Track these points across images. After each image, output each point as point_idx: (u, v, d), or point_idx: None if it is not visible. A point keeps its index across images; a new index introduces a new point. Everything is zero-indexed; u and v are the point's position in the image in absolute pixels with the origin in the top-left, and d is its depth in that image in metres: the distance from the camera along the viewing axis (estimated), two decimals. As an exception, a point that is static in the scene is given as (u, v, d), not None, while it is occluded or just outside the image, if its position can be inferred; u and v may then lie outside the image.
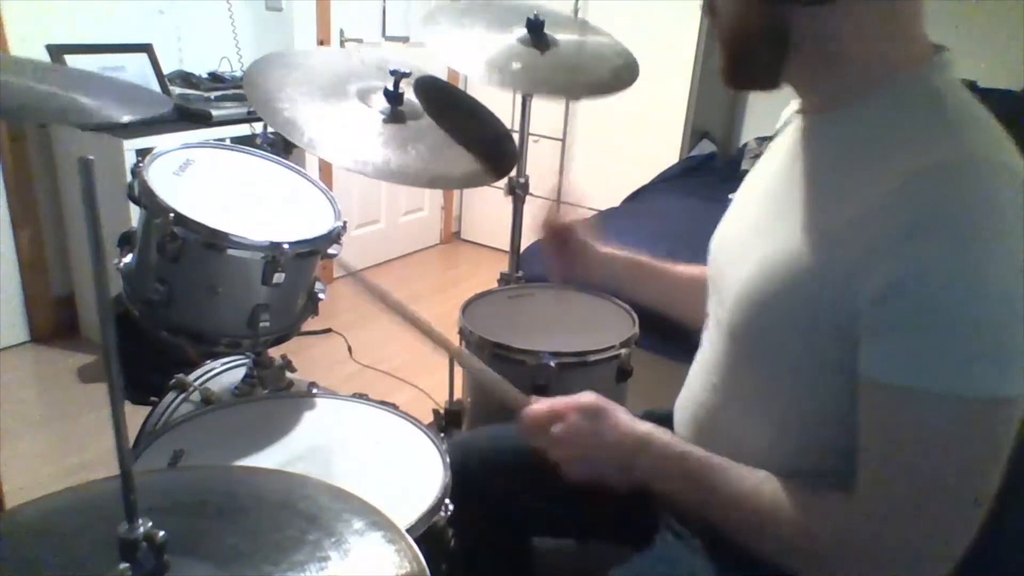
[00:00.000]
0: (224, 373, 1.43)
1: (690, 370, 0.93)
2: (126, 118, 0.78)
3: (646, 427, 0.82)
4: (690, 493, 0.78)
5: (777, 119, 0.92)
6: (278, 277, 1.09)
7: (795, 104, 0.90)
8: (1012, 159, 0.64)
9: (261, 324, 1.12)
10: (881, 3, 0.68)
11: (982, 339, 0.59)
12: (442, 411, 1.59)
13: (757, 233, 0.79)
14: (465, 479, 0.97)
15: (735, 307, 0.78)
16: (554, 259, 1.16)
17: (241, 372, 1.36)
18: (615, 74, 1.48)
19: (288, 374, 1.33)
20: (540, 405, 0.87)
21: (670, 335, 1.14)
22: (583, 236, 1.15)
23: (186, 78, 2.65)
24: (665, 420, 0.99)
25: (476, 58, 1.42)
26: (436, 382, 2.27)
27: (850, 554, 0.67)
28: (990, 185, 0.61)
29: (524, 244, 1.78)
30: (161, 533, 0.49)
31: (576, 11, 3.32)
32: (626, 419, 0.83)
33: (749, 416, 0.80)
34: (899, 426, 0.64)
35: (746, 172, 0.95)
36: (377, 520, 0.59)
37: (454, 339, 1.46)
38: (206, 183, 1.18)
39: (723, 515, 0.76)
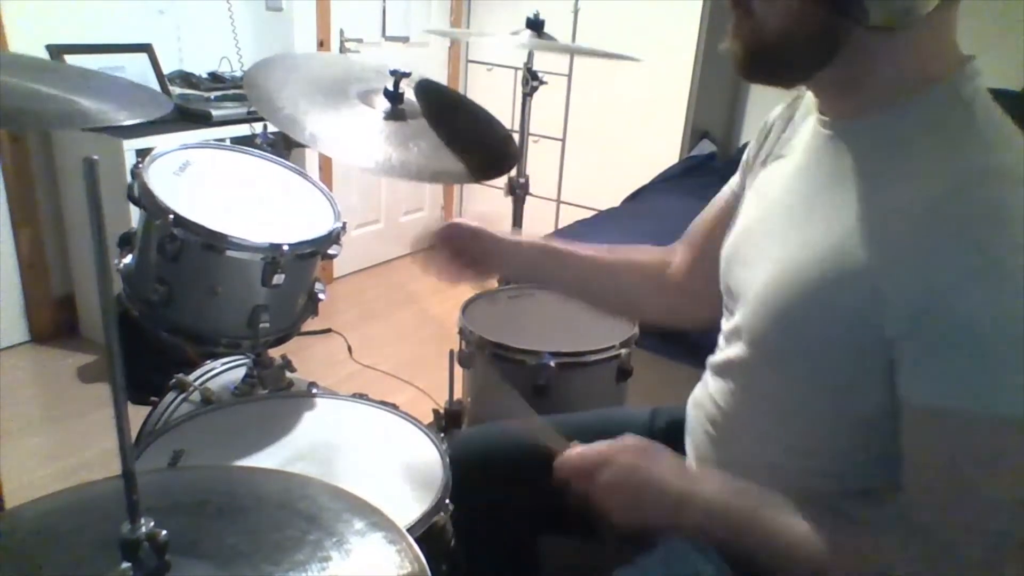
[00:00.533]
0: (224, 373, 1.43)
1: (705, 371, 0.92)
2: (127, 120, 0.77)
3: (688, 479, 0.80)
4: (738, 546, 0.76)
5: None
6: (278, 278, 1.09)
7: (779, 108, 0.90)
8: None
9: (261, 324, 1.12)
10: (935, 24, 0.66)
11: (1019, 355, 0.58)
12: (442, 411, 1.59)
13: (775, 239, 0.78)
14: (466, 475, 0.96)
15: (753, 313, 0.77)
16: (457, 264, 1.07)
17: (241, 372, 1.36)
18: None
19: (288, 374, 1.33)
20: (577, 451, 0.85)
21: (670, 335, 1.15)
22: (479, 231, 1.06)
23: (186, 78, 2.65)
24: (673, 417, 1.00)
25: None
26: (436, 382, 2.27)
27: None
28: (1020, 198, 0.60)
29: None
30: (163, 533, 0.49)
31: (576, 11, 3.32)
32: (668, 469, 0.81)
33: (766, 421, 0.79)
34: (950, 451, 0.63)
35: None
36: (378, 520, 0.59)
37: (454, 339, 1.46)
38: (206, 184, 1.18)
39: (774, 562, 0.74)
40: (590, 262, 1.07)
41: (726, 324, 0.88)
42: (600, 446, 0.84)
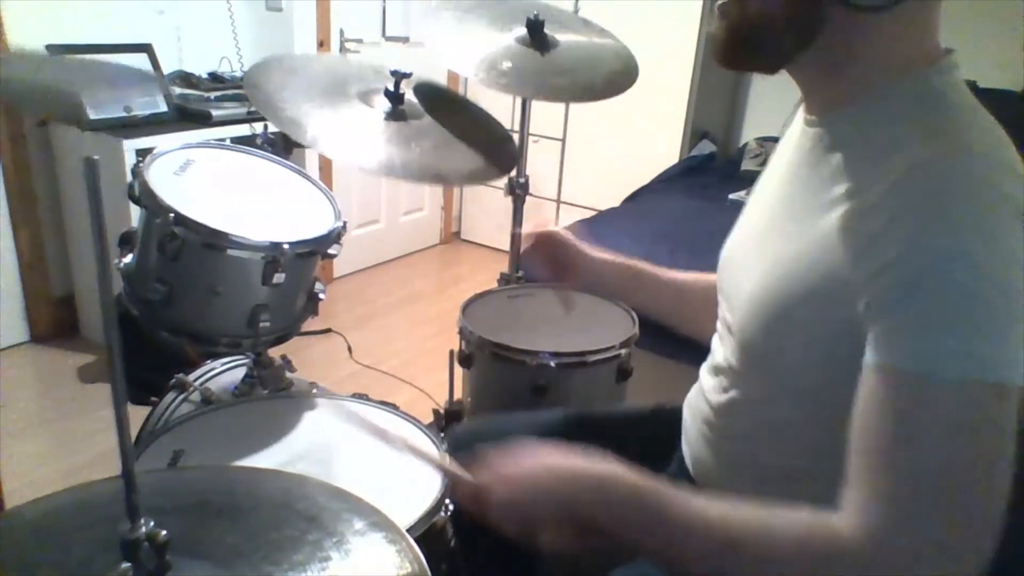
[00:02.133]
0: (224, 373, 1.43)
1: (700, 371, 0.93)
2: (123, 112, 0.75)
3: (578, 463, 0.73)
4: (654, 537, 0.69)
5: (777, 119, 0.91)
6: (278, 277, 1.09)
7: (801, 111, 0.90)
8: (1010, 155, 0.64)
9: (261, 324, 1.12)
10: (914, 10, 0.67)
11: (980, 322, 0.58)
12: (442, 411, 1.59)
13: (765, 238, 0.78)
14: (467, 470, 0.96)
15: (744, 313, 0.77)
16: (545, 268, 1.15)
17: (241, 372, 1.36)
18: (611, 78, 1.48)
19: (288, 374, 1.33)
20: (464, 485, 0.78)
21: (670, 335, 1.14)
22: (569, 242, 1.13)
23: (186, 78, 2.66)
24: (676, 414, 1.00)
25: (472, 57, 1.41)
26: (436, 382, 2.27)
27: (880, 561, 0.61)
28: (987, 176, 0.61)
29: (524, 244, 1.78)
30: (163, 533, 0.49)
31: (576, 10, 3.32)
32: (553, 459, 0.74)
33: (758, 421, 0.79)
34: (903, 412, 0.61)
35: (747, 172, 0.95)
36: (377, 520, 0.59)
37: (454, 340, 1.46)
38: (206, 183, 1.18)
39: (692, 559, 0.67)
40: (675, 286, 1.09)
41: (720, 326, 0.89)
42: (480, 475, 0.76)
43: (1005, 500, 0.60)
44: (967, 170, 0.61)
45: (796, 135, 0.80)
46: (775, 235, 0.77)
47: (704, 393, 0.89)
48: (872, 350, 0.63)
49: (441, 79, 3.53)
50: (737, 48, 0.73)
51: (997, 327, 0.59)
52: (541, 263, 1.15)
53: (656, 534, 0.68)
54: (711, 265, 0.93)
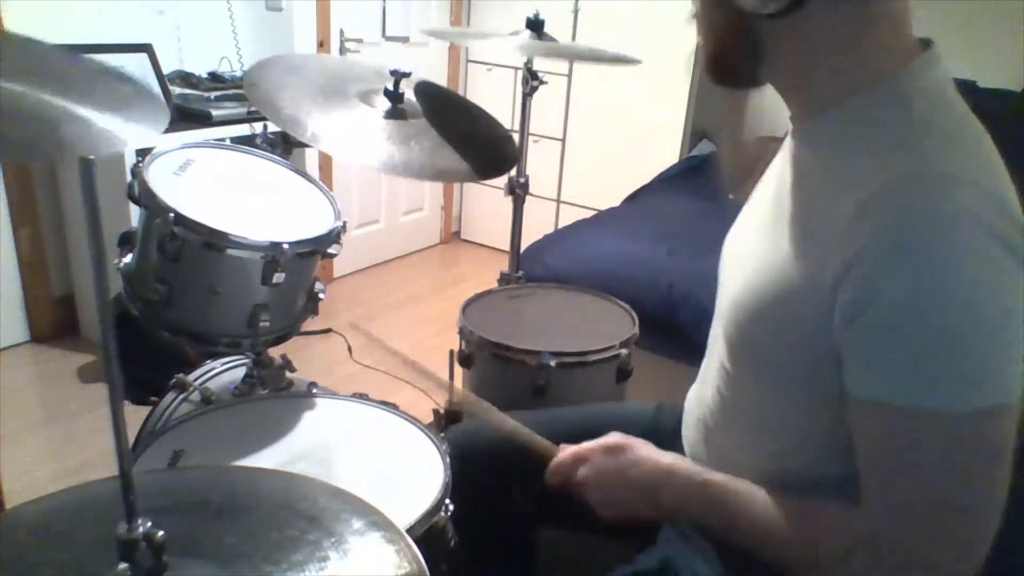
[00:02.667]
0: (224, 373, 1.43)
1: (700, 371, 0.94)
2: (132, 144, 0.75)
3: (669, 459, 0.83)
4: (714, 520, 0.79)
5: (777, 120, 0.92)
6: (278, 277, 1.09)
7: None
8: (968, 168, 0.63)
9: (261, 324, 1.12)
10: (852, 13, 0.67)
11: (948, 352, 0.59)
12: (442, 411, 1.59)
13: (750, 247, 0.80)
14: (467, 470, 0.97)
15: (730, 316, 0.79)
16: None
17: (241, 372, 1.36)
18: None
19: (288, 374, 1.33)
20: (564, 453, 0.88)
21: (670, 335, 1.14)
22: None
23: (186, 78, 2.65)
24: (677, 413, 1.00)
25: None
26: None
27: (866, 569, 0.66)
28: (944, 197, 0.60)
29: (524, 244, 1.78)
30: (160, 533, 0.49)
31: (576, 11, 3.32)
32: (648, 453, 0.84)
33: (747, 422, 0.80)
34: (887, 442, 0.63)
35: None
36: (377, 520, 0.59)
37: (454, 340, 1.46)
38: (206, 183, 1.18)
39: (743, 538, 0.76)
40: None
41: (712, 328, 0.90)
42: (579, 446, 0.88)
43: (996, 518, 0.62)
44: (926, 196, 0.61)
45: (786, 141, 0.82)
46: (761, 237, 0.78)
47: (701, 393, 0.90)
48: (852, 380, 0.65)
49: (441, 79, 3.54)
50: (713, 70, 0.78)
51: (968, 354, 0.59)
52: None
53: (719, 523, 0.78)
54: (711, 265, 0.93)
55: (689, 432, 0.92)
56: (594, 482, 0.85)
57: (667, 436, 0.98)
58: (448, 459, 0.96)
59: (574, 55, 2.32)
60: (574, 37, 3.38)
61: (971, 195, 0.60)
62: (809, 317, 0.67)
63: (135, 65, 2.50)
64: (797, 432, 0.75)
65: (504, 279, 1.74)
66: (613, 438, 0.87)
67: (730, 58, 0.75)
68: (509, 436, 0.98)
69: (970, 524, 0.63)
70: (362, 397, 1.13)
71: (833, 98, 0.71)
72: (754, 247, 0.78)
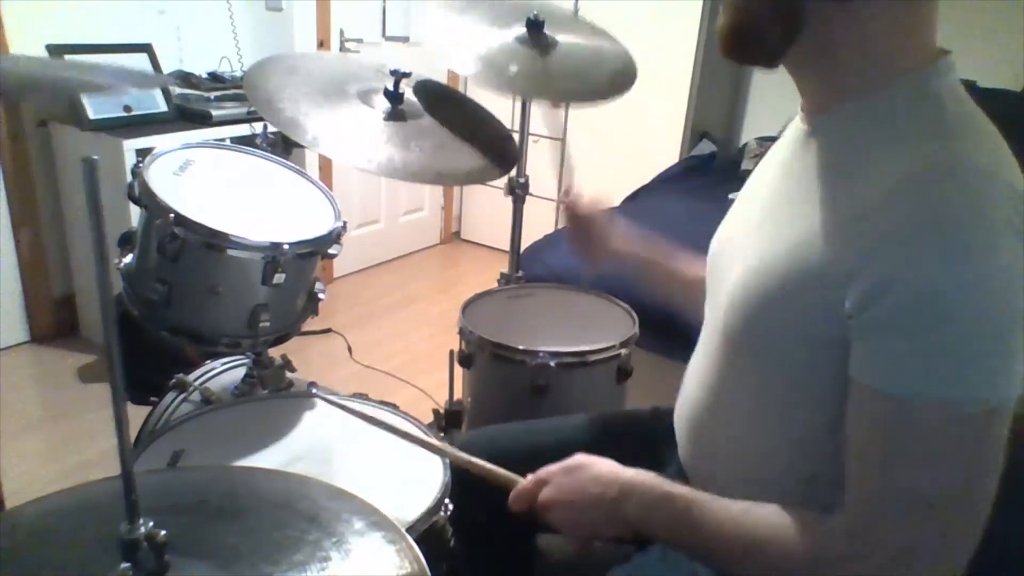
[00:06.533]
0: (224, 373, 1.44)
1: (687, 369, 0.93)
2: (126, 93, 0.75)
3: (629, 473, 0.80)
4: (680, 534, 0.76)
5: (777, 119, 0.92)
6: (278, 277, 1.09)
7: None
8: (1002, 166, 0.63)
9: (261, 324, 1.12)
10: (897, 7, 0.67)
11: (967, 345, 0.59)
12: (442, 411, 1.59)
13: (754, 235, 0.79)
14: (466, 476, 0.96)
15: (729, 308, 0.78)
16: (578, 247, 1.21)
17: (241, 372, 1.36)
18: (612, 80, 1.47)
19: (288, 374, 1.33)
20: (527, 479, 0.85)
21: (670, 335, 1.14)
22: (601, 226, 1.17)
23: (186, 78, 2.65)
24: (672, 417, 1.00)
25: (473, 57, 1.41)
26: (436, 382, 2.27)
27: (848, 570, 0.65)
28: (978, 191, 0.60)
29: (524, 244, 1.78)
30: (162, 533, 0.49)
31: (576, 10, 3.32)
32: (608, 468, 0.81)
33: (742, 417, 0.80)
34: (886, 433, 0.63)
35: (747, 172, 0.95)
36: (377, 520, 0.59)
37: (454, 340, 1.46)
38: (206, 183, 1.18)
39: (710, 549, 0.74)
40: (684, 283, 1.09)
41: (706, 321, 0.90)
42: (541, 470, 0.85)
43: (986, 514, 0.62)
44: (960, 187, 0.60)
45: (792, 133, 0.81)
46: (765, 229, 0.77)
47: (689, 390, 0.90)
48: (859, 367, 0.65)
49: (441, 79, 3.53)
50: (731, 41, 0.74)
51: (985, 348, 0.59)
52: (576, 244, 1.21)
53: (685, 535, 0.75)
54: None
55: (680, 430, 0.92)
56: (557, 503, 0.81)
57: (663, 440, 0.98)
58: (448, 459, 0.96)
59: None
60: (574, 37, 3.37)
61: (1002, 192, 0.61)
62: (818, 306, 0.67)
63: (135, 65, 2.50)
64: (790, 423, 0.74)
65: (504, 279, 1.74)
66: (574, 459, 0.84)
67: (758, 32, 0.72)
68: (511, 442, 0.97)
69: (964, 521, 0.62)
70: (362, 397, 1.13)
71: (856, 90, 0.70)
72: (757, 239, 0.77)
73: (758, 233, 0.78)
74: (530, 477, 0.86)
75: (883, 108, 0.69)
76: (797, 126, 0.80)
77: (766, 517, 0.71)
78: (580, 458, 0.84)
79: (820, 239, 0.68)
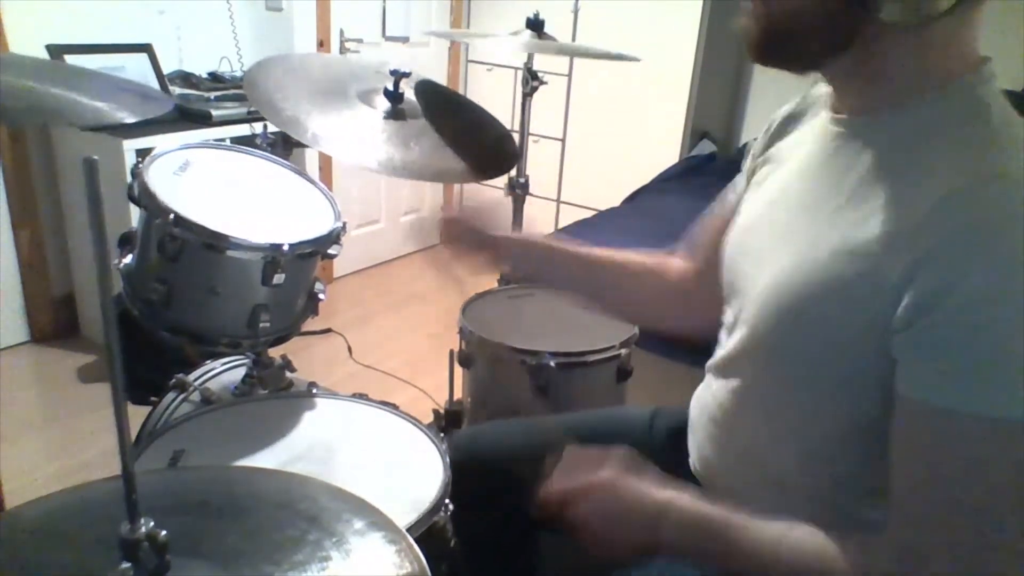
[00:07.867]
0: (224, 373, 1.43)
1: (707, 370, 0.91)
2: (128, 119, 0.77)
3: (666, 495, 0.77)
4: (715, 556, 0.75)
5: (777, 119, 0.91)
6: (278, 278, 1.09)
7: (788, 107, 0.90)
8: None
9: (261, 324, 1.12)
10: (962, 16, 0.66)
11: (1018, 360, 0.57)
12: (442, 411, 1.59)
13: (784, 238, 0.76)
14: (466, 475, 0.97)
15: (760, 313, 0.76)
16: (456, 257, 1.13)
17: (241, 372, 1.36)
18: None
19: (288, 374, 1.33)
20: (555, 487, 0.82)
21: (670, 335, 1.14)
22: (475, 226, 1.10)
23: (186, 78, 2.66)
24: (674, 418, 0.99)
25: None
26: (436, 382, 2.27)
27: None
28: None
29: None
30: (163, 533, 0.49)
31: (576, 11, 3.32)
32: (644, 490, 0.78)
33: (769, 423, 0.78)
34: (934, 448, 0.62)
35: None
36: (377, 520, 0.59)
37: (454, 340, 1.46)
38: (206, 184, 1.18)
39: (748, 572, 0.73)
40: (585, 261, 1.07)
41: (728, 321, 0.87)
42: (567, 486, 0.81)
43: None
44: (1009, 200, 0.59)
45: (818, 132, 0.79)
46: (797, 229, 0.75)
47: (712, 392, 0.88)
48: (905, 381, 0.63)
49: (441, 79, 3.54)
50: (767, 45, 0.71)
51: None
52: (454, 256, 1.14)
53: (720, 557, 0.73)
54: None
55: (696, 436, 0.90)
56: (588, 526, 0.79)
57: (660, 441, 0.98)
58: (448, 459, 0.96)
59: (573, 52, 2.33)
60: (574, 37, 3.38)
61: None
62: (859, 313, 0.65)
63: (135, 65, 2.50)
64: (818, 427, 0.73)
65: (504, 279, 1.74)
66: (615, 460, 0.81)
67: (798, 40, 0.69)
68: (517, 435, 0.96)
69: (1015, 538, 0.60)
70: (362, 397, 1.13)
71: (901, 97, 0.69)
72: (787, 245, 0.75)
73: (790, 236, 0.76)
74: (555, 487, 0.82)
75: (931, 115, 0.68)
76: (826, 127, 0.77)
77: (807, 540, 0.69)
78: (613, 477, 0.80)
79: (863, 247, 0.66)
